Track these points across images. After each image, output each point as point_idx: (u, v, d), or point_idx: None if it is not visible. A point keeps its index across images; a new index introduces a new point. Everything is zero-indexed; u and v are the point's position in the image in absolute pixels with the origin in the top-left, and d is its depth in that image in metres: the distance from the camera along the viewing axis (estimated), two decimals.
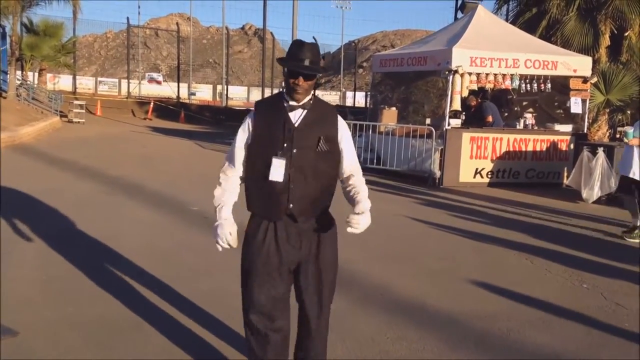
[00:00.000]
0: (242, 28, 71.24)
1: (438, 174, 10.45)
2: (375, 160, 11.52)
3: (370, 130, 12.03)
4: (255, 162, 2.74)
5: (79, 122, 21.42)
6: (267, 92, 32.68)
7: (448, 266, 5.54)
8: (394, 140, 11.12)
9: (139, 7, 69.93)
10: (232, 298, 4.35)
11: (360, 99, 39.94)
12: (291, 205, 2.73)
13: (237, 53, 62.54)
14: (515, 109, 12.81)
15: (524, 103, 12.83)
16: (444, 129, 10.50)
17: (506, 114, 12.38)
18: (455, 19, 20.82)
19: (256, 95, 38.55)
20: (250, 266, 2.81)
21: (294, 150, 2.70)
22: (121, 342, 3.55)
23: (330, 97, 43.82)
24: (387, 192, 9.02)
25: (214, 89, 41.14)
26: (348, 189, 2.89)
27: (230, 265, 5.24)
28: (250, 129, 2.77)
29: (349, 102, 40.02)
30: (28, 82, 23.83)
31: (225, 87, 33.98)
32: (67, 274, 4.72)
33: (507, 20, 16.70)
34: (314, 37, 40.60)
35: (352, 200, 2.83)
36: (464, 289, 4.89)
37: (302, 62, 2.67)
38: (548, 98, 12.25)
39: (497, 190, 9.85)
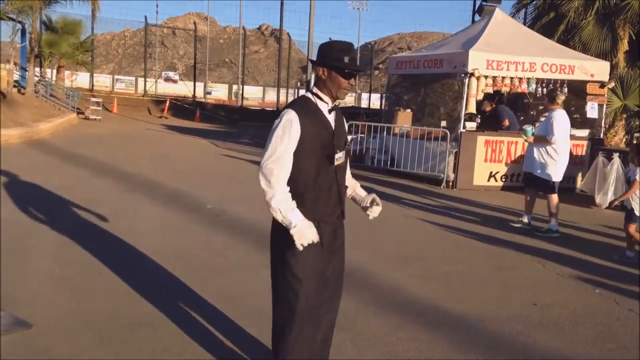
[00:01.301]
0: (259, 28, 71.51)
1: (452, 176, 10.43)
2: (389, 162, 11.52)
3: (385, 132, 12.03)
4: (307, 165, 2.76)
5: (95, 119, 21.65)
6: (283, 93, 32.82)
7: (460, 269, 5.53)
8: (408, 142, 11.11)
9: (157, 6, 70.59)
10: (246, 297, 4.40)
11: (375, 101, 39.91)
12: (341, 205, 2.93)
13: (253, 53, 62.76)
14: (531, 112, 12.72)
15: (540, 107, 12.73)
16: (459, 131, 10.47)
17: (522, 118, 12.31)
18: (473, 21, 20.75)
19: (271, 95, 38.69)
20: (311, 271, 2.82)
21: (337, 152, 2.82)
22: (135, 338, 3.60)
23: (346, 98, 43.79)
24: (401, 193, 9.02)
25: (230, 88, 41.34)
26: (348, 182, 3.10)
27: (244, 263, 5.30)
28: (299, 133, 2.71)
29: (364, 104, 39.98)
30: (46, 79, 24.13)
31: (241, 86, 34.12)
32: (83, 270, 4.79)
33: (524, 23, 16.59)
34: (330, 39, 40.59)
35: (356, 193, 3.13)
36: (476, 292, 4.88)
37: (356, 63, 2.76)
38: (564, 103, 12.14)
39: (511, 194, 9.80)
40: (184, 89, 36.16)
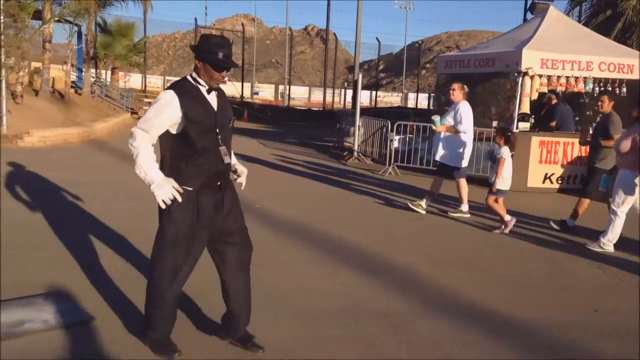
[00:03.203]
0: (305, 29, 71.87)
1: None
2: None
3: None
4: (188, 139, 3.14)
5: None
6: (329, 93, 32.85)
7: (516, 273, 5.41)
8: None
9: (205, 8, 71.92)
10: (292, 296, 4.43)
11: (422, 101, 39.49)
12: None
13: (299, 54, 63.10)
14: (587, 113, 12.33)
15: (597, 107, 12.33)
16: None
17: (577, 118, 11.94)
18: (525, 20, 20.26)
19: (318, 95, 38.82)
20: None
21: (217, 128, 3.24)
22: (191, 331, 3.66)
23: (392, 98, 43.56)
24: (450, 196, 8.90)
25: (276, 88, 41.73)
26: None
27: (289, 260, 5.33)
28: (178, 110, 3.08)
29: (410, 104, 39.64)
30: (101, 80, 24.91)
31: (288, 87, 34.36)
32: (137, 263, 4.91)
33: (579, 21, 16.11)
34: (377, 38, 40.43)
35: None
36: (533, 297, 4.76)
37: (229, 58, 3.16)
38: (623, 102, 11.72)
39: (567, 196, 9.50)
40: (232, 89, 36.72)
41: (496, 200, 7.00)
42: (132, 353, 3.34)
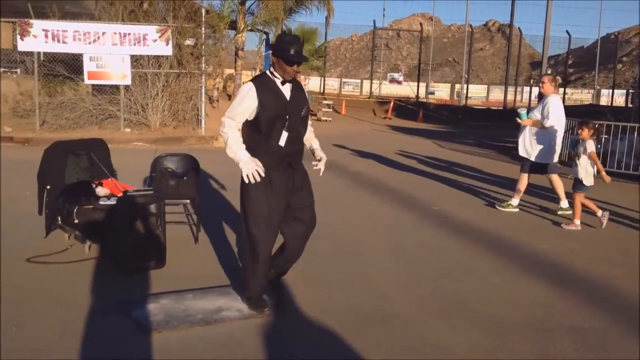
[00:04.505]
0: (485, 24, 69.26)
1: None
2: None
3: (636, 133, 10.64)
4: (262, 125, 3.71)
5: (326, 120, 23.09)
6: (510, 91, 31.24)
7: None
8: None
9: (383, 9, 72.75)
10: (476, 303, 4.24)
11: (618, 98, 35.72)
12: None
13: (478, 50, 60.93)
14: None
15: None
16: None
17: None
18: None
19: (497, 94, 37.15)
20: None
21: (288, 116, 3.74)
22: (372, 332, 3.68)
23: (582, 95, 40.10)
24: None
25: (452, 87, 40.74)
26: (309, 136, 4.09)
27: (471, 266, 5.12)
28: (255, 99, 3.65)
29: (603, 101, 36.09)
30: None
31: (465, 85, 33.36)
32: (318, 262, 5.08)
33: None
34: (567, 31, 37.49)
35: (312, 148, 4.10)
36: None
37: (299, 54, 3.63)
38: None
39: None
40: (407, 89, 36.68)
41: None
42: (320, 344, 3.45)
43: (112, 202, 5.03)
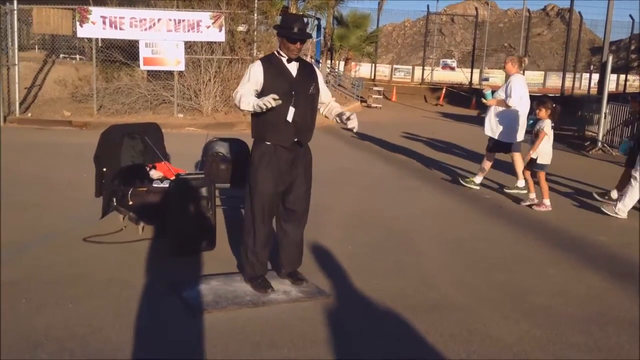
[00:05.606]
0: (544, 9, 66.89)
1: None
2: None
3: None
4: None
5: (376, 107, 22.90)
6: (569, 77, 30.12)
7: None
8: None
9: None
10: (528, 294, 4.12)
11: None
12: None
13: (535, 36, 58.95)
14: None
15: None
16: None
17: None
18: None
19: (554, 80, 35.96)
20: None
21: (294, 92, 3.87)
22: (421, 320, 3.64)
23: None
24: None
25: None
26: (332, 105, 4.27)
27: (525, 257, 4.98)
28: (261, 75, 3.83)
29: None
30: (336, 70, 26.40)
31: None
32: (368, 250, 5.06)
33: None
34: (630, 15, 35.79)
35: (338, 114, 4.12)
36: None
37: (303, 32, 3.80)
38: None
39: None
40: (459, 76, 35.88)
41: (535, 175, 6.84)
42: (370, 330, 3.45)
43: (165, 184, 5.15)
